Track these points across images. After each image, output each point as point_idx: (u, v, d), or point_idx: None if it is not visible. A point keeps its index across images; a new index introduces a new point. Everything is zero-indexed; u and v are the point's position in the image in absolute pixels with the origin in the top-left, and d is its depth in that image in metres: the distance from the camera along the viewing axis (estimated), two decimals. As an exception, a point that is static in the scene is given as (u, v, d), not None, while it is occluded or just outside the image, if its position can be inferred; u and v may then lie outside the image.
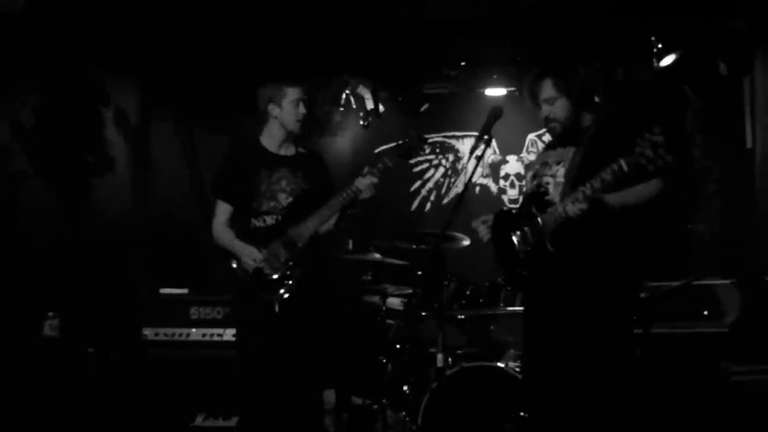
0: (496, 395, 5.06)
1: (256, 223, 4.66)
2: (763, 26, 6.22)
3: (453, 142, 8.48)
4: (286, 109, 4.72)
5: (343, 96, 7.87)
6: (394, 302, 6.16)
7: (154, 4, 6.18)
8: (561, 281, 4.11)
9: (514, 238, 4.25)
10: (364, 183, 4.62)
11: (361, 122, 7.98)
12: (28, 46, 5.76)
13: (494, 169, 8.36)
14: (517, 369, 5.13)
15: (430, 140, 8.47)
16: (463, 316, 5.81)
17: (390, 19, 6.76)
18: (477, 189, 8.32)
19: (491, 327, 5.90)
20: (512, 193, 8.30)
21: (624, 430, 4.01)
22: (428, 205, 8.46)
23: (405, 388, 5.68)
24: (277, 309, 4.52)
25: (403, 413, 5.61)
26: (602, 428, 3.97)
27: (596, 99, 4.43)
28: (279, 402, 4.58)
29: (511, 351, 5.60)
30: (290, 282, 4.55)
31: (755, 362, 4.55)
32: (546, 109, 4.29)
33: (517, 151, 8.33)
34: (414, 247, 5.92)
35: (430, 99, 8.04)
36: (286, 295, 4.53)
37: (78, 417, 5.41)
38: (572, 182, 4.05)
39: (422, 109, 8.00)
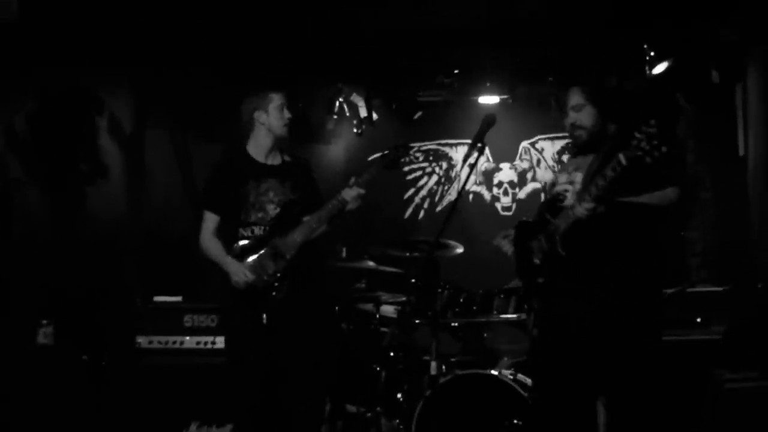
0: (489, 403, 5.06)
1: (244, 233, 4.68)
2: (754, 34, 6.25)
3: (446, 149, 8.50)
4: (273, 115, 4.76)
5: (337, 104, 7.88)
6: (388, 310, 6.16)
7: (149, 12, 6.19)
8: (573, 287, 4.15)
9: (532, 247, 4.29)
10: (351, 194, 4.66)
11: (355, 130, 8.00)
12: (23, 53, 5.76)
13: (488, 177, 8.38)
14: (511, 377, 5.13)
15: (424, 148, 8.51)
16: (456, 324, 5.81)
17: (384, 27, 6.78)
18: (470, 197, 8.35)
19: (485, 335, 5.91)
20: (505, 200, 8.33)
21: None
22: (422, 213, 8.48)
23: (399, 395, 5.68)
24: (265, 320, 4.53)
25: (397, 421, 5.61)
26: None
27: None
28: (272, 409, 4.59)
29: (505, 359, 5.61)
30: (278, 294, 4.57)
31: (748, 369, 4.56)
32: (572, 116, 4.34)
33: (511, 159, 8.35)
34: (407, 254, 5.93)
35: (424, 107, 8.07)
36: (274, 306, 4.55)
37: (72, 424, 5.39)
38: (585, 186, 4.11)
39: (416, 116, 8.02)
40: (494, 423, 5.03)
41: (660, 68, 6.67)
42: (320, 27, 6.72)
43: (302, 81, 7.49)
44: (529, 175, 8.32)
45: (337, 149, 8.50)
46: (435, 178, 8.50)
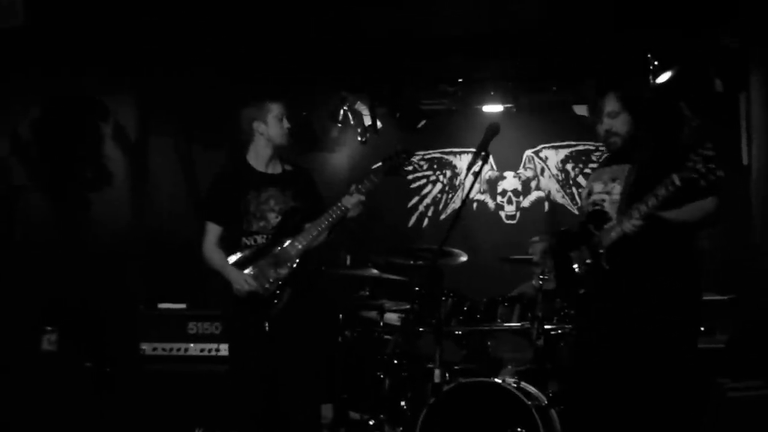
0: (493, 411, 5.05)
1: (247, 242, 4.70)
2: (756, 42, 6.25)
3: (450, 158, 8.51)
4: (272, 124, 4.77)
5: (341, 112, 7.90)
6: (392, 317, 6.17)
7: (153, 16, 6.20)
8: (618, 300, 4.16)
9: (572, 257, 4.30)
10: (351, 201, 4.67)
11: (359, 138, 8.02)
12: (28, 60, 5.78)
13: (492, 185, 8.39)
14: (514, 385, 5.13)
15: (428, 156, 8.52)
16: (460, 332, 5.82)
17: (388, 36, 6.79)
18: (474, 205, 8.36)
19: (488, 342, 5.91)
20: (509, 209, 8.34)
21: None
22: (426, 221, 8.49)
23: (402, 403, 5.67)
24: (267, 328, 4.55)
25: (401, 428, 5.60)
26: None
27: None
28: (274, 415, 4.60)
29: (509, 367, 5.61)
30: (279, 302, 4.58)
31: (751, 378, 4.56)
32: (608, 123, 4.34)
33: (515, 167, 8.36)
34: (411, 262, 5.94)
35: (428, 115, 8.07)
36: (276, 315, 4.57)
37: (76, 431, 5.40)
38: (628, 200, 4.12)
39: (420, 125, 8.02)
40: (497, 431, 5.02)
41: (664, 77, 6.68)
42: (325, 36, 6.74)
43: (306, 90, 7.51)
44: (533, 184, 8.33)
45: (341, 157, 8.52)
46: (439, 186, 8.51)
